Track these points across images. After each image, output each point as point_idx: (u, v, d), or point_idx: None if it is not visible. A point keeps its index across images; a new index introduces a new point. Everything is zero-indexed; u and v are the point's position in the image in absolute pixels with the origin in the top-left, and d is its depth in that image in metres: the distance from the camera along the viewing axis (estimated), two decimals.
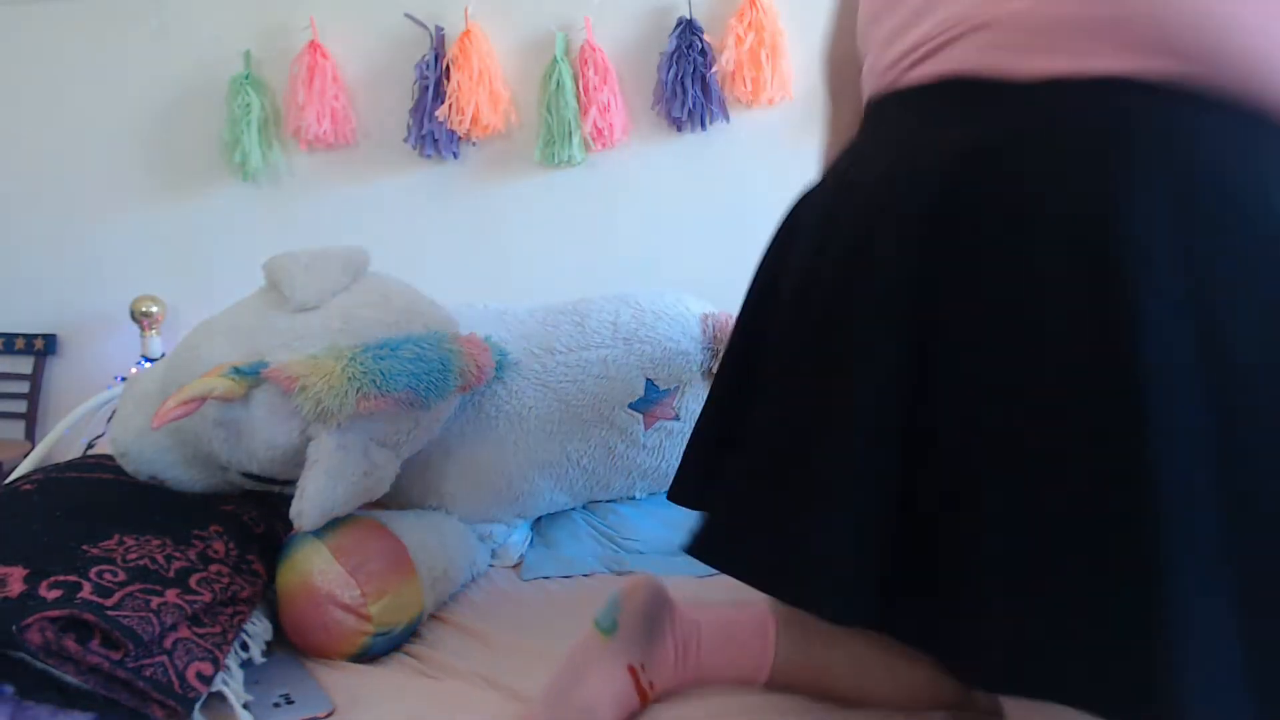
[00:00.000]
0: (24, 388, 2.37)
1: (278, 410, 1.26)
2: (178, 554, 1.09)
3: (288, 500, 1.33)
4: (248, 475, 1.33)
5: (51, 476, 1.28)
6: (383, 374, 1.31)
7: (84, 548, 1.05)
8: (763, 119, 2.24)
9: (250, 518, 1.27)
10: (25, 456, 1.94)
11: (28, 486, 1.23)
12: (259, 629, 1.16)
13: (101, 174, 2.33)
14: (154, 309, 2.26)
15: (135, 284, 2.29)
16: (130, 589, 1.00)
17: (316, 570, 1.20)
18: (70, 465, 1.37)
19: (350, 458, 1.28)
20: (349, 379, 1.29)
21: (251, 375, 1.26)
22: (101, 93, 2.30)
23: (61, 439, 2.03)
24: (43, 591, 0.97)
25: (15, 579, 0.98)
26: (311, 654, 1.21)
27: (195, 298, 2.33)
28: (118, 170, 2.32)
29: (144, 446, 1.30)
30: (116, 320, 2.29)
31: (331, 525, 1.27)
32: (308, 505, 1.21)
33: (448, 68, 2.18)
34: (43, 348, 2.36)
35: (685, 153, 2.28)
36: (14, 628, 0.93)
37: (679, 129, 2.24)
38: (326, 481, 1.24)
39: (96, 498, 1.21)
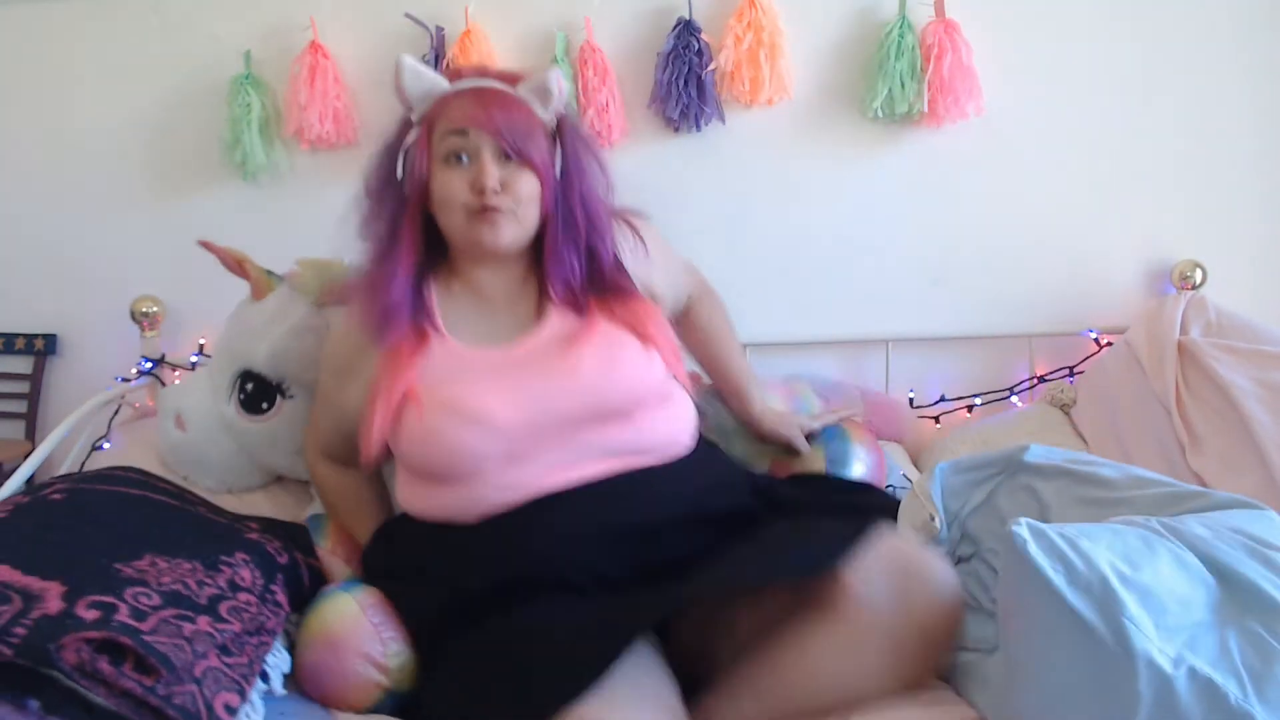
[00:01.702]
0: (24, 388, 2.37)
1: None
2: (208, 580, 1.11)
3: (307, 532, 1.37)
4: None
5: (79, 487, 1.28)
6: None
7: (117, 566, 1.06)
8: (762, 119, 2.25)
9: (274, 548, 1.29)
10: (26, 457, 1.94)
11: (56, 495, 1.24)
12: (279, 660, 1.18)
13: (101, 174, 2.32)
14: (154, 309, 2.26)
15: (135, 284, 2.28)
16: (164, 614, 1.01)
17: (344, 621, 1.25)
18: (97, 476, 1.38)
19: None
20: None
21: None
22: (101, 93, 2.28)
23: (62, 439, 2.04)
24: (80, 611, 0.97)
25: (53, 595, 0.99)
26: (322, 702, 1.23)
27: (195, 298, 2.31)
28: (118, 170, 2.31)
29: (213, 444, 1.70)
30: (116, 320, 2.28)
31: (361, 583, 1.35)
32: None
33: (449, 68, 2.18)
34: (43, 348, 2.36)
35: (683, 153, 2.28)
36: (51, 646, 0.94)
37: (675, 129, 2.24)
38: None
39: (126, 513, 1.23)
